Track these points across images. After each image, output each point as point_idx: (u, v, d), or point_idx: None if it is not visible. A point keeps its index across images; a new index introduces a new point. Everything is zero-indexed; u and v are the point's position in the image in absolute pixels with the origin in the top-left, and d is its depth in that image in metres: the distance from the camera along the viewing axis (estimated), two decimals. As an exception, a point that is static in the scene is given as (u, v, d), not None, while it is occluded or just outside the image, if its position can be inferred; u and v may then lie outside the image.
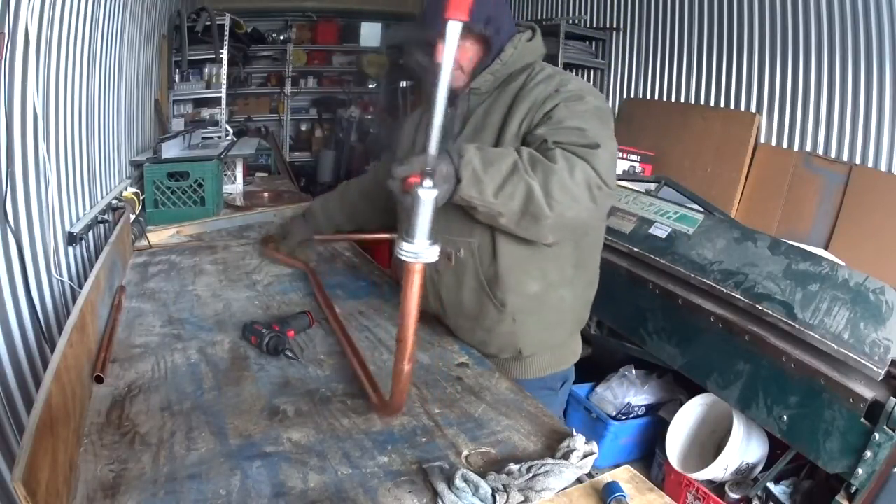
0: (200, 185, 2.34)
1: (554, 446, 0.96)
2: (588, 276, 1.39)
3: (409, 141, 1.45)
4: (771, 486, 1.89)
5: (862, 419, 1.50)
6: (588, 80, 4.17)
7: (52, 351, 1.00)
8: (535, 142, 1.15)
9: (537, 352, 1.35)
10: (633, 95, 3.88)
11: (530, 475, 0.86)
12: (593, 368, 2.35)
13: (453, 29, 0.85)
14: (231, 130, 4.11)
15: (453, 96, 1.27)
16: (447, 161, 1.05)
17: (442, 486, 0.84)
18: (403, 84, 5.77)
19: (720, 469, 1.98)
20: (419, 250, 0.89)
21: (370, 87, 6.47)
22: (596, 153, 1.10)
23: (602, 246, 1.42)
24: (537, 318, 1.31)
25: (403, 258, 0.90)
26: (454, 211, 1.18)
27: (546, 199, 1.06)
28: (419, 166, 0.94)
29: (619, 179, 1.96)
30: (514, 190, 1.06)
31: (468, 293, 1.31)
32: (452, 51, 0.86)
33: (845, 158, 2.49)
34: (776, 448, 1.96)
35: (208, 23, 4.30)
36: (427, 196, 0.89)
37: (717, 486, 2.07)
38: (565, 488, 0.87)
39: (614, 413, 2.40)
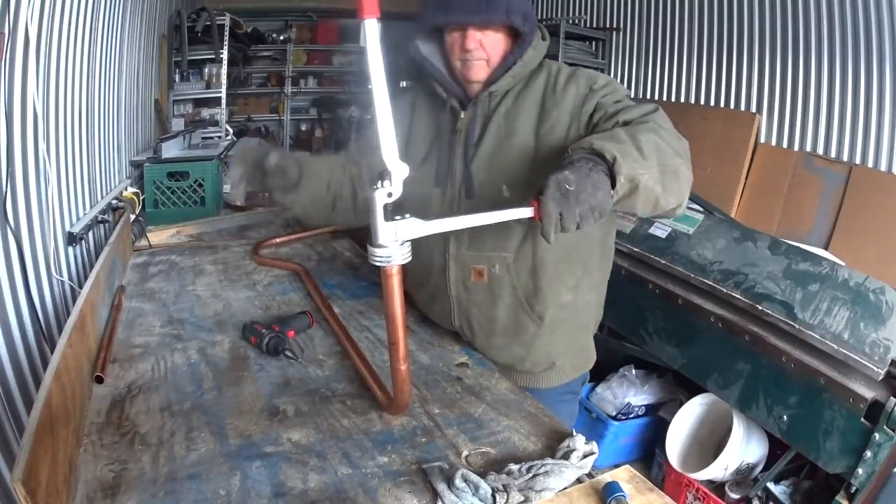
0: (200, 185, 2.34)
1: (554, 446, 0.96)
2: (606, 276, 1.37)
3: (422, 150, 1.29)
4: (771, 486, 1.89)
5: (862, 419, 1.50)
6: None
7: (52, 351, 1.00)
8: (606, 130, 1.10)
9: (567, 358, 1.34)
10: (633, 95, 3.88)
11: (530, 475, 0.86)
12: (593, 368, 2.35)
13: (371, 28, 0.82)
14: (231, 130, 4.12)
15: (465, 96, 1.23)
16: (585, 166, 0.90)
17: (442, 486, 0.84)
18: (403, 84, 5.76)
19: (720, 469, 1.98)
20: (391, 253, 0.89)
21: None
22: (660, 113, 1.10)
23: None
24: (569, 325, 1.30)
25: (377, 263, 0.90)
26: (485, 226, 1.12)
27: (668, 147, 1.00)
28: (556, 186, 0.86)
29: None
30: (649, 147, 0.96)
31: (503, 310, 1.25)
32: (377, 52, 0.83)
33: (845, 158, 2.49)
34: (776, 448, 1.96)
35: (208, 23, 4.31)
36: (379, 197, 0.87)
37: (717, 486, 2.07)
38: (565, 488, 0.87)
39: (614, 413, 2.40)
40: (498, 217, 0.94)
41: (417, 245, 1.24)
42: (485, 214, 0.95)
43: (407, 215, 0.90)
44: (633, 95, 3.87)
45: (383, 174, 0.87)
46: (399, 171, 0.87)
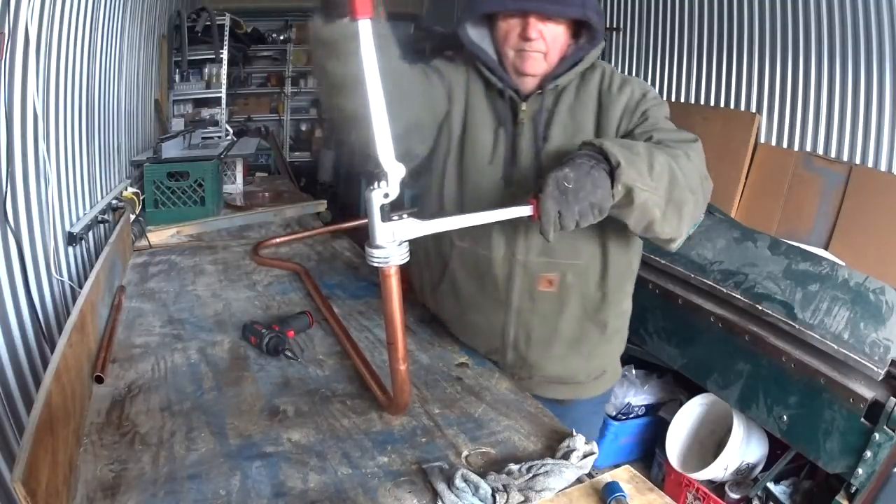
0: (200, 185, 2.34)
1: (554, 446, 0.96)
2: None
3: (488, 140, 1.20)
4: (771, 486, 1.89)
5: (862, 419, 1.50)
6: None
7: (52, 351, 1.00)
8: (640, 138, 1.08)
9: (615, 365, 1.34)
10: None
11: (530, 475, 0.86)
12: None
13: (365, 29, 0.80)
14: (231, 130, 4.11)
15: (515, 90, 1.16)
16: (587, 163, 0.89)
17: (442, 486, 0.84)
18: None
19: (720, 469, 1.98)
20: (388, 253, 0.88)
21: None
22: (697, 146, 1.07)
23: None
24: (622, 333, 1.30)
25: (376, 264, 0.89)
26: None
27: (684, 179, 0.97)
28: (555, 184, 0.86)
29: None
30: (661, 169, 0.95)
31: (568, 320, 1.20)
32: (371, 54, 0.81)
33: (845, 158, 2.49)
34: (776, 448, 1.96)
35: (208, 23, 4.30)
36: (376, 197, 0.86)
37: (717, 486, 2.07)
38: (565, 488, 0.87)
39: (614, 413, 2.40)
40: (496, 216, 0.94)
41: (470, 252, 1.19)
42: (483, 214, 0.94)
43: (404, 215, 0.89)
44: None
45: (379, 174, 0.85)
46: (396, 171, 0.86)
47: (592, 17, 1.08)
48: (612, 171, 0.90)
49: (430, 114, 1.18)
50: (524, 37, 1.08)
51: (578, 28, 1.13)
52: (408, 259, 0.91)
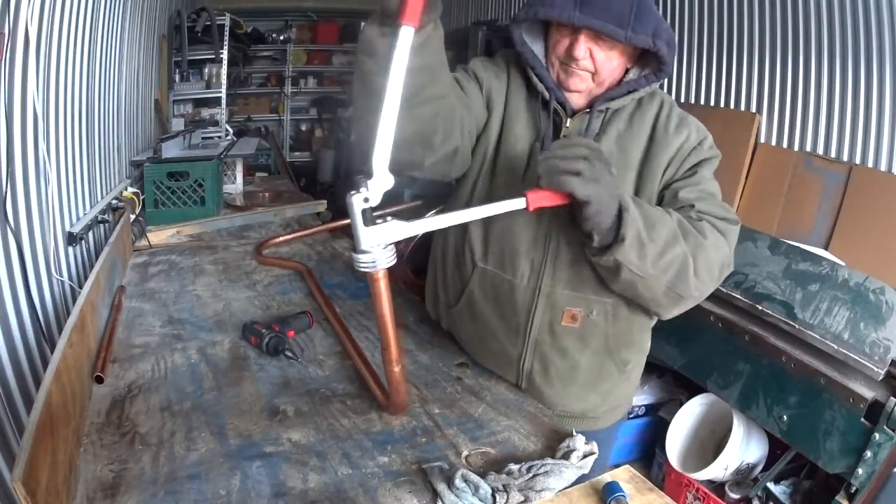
0: (200, 185, 2.34)
1: (554, 446, 0.96)
2: None
3: (523, 152, 1.12)
4: (771, 486, 1.89)
5: (862, 419, 1.50)
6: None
7: (52, 351, 1.00)
8: (678, 204, 1.01)
9: (627, 399, 1.29)
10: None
11: (530, 475, 0.86)
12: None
13: (405, 35, 0.79)
14: (231, 130, 4.11)
15: (562, 103, 1.07)
16: (606, 198, 0.88)
17: (442, 486, 0.84)
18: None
19: (720, 469, 1.98)
20: (375, 258, 0.87)
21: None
22: (735, 230, 1.01)
23: None
24: (637, 370, 1.25)
25: (363, 269, 0.87)
26: (587, 265, 1.03)
27: (695, 277, 0.94)
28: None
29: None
30: (672, 260, 0.92)
31: (590, 357, 1.13)
32: (403, 61, 0.79)
33: (845, 158, 2.48)
34: (776, 448, 1.96)
35: (208, 23, 4.30)
36: (357, 202, 0.84)
37: (717, 486, 2.07)
38: (565, 488, 0.87)
39: (614, 413, 2.40)
40: (487, 211, 0.91)
41: (492, 275, 1.12)
42: (473, 209, 0.92)
43: (389, 218, 0.87)
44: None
45: (361, 180, 0.84)
46: (383, 181, 0.84)
47: (662, 49, 0.98)
48: (616, 232, 0.90)
49: (470, 139, 1.10)
50: (570, 53, 1.01)
51: (646, 55, 1.04)
52: (394, 262, 0.89)
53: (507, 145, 1.11)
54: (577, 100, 1.07)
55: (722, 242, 0.98)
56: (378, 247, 0.86)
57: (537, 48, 1.08)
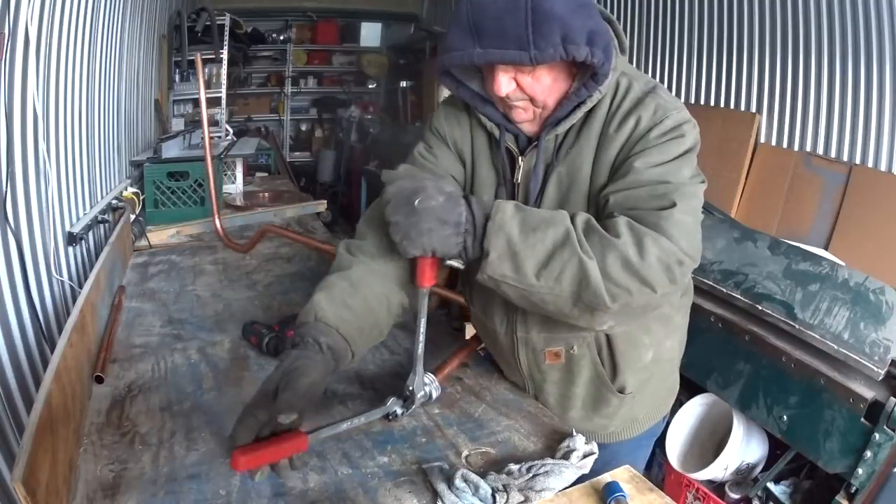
0: (200, 185, 2.34)
1: (554, 446, 0.96)
2: (687, 311, 1.21)
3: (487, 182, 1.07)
4: (771, 486, 1.89)
5: (862, 419, 1.50)
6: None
7: (52, 351, 1.00)
8: (603, 202, 0.92)
9: (651, 408, 1.20)
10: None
11: (530, 475, 0.86)
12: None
13: (424, 294, 0.91)
14: (231, 130, 4.11)
15: (523, 140, 1.01)
16: (466, 213, 0.84)
17: (442, 486, 0.84)
18: (404, 84, 5.77)
19: (720, 469, 1.98)
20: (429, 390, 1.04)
21: (370, 87, 6.47)
22: (671, 217, 0.85)
23: None
24: (653, 381, 1.14)
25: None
26: None
27: (606, 285, 0.82)
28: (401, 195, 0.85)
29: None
30: (563, 269, 0.82)
31: (582, 386, 1.10)
32: (424, 317, 0.96)
33: (845, 158, 2.49)
34: (776, 448, 1.96)
35: (208, 23, 4.31)
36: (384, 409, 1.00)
37: (717, 486, 2.07)
38: (565, 488, 0.87)
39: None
40: None
41: (482, 321, 1.17)
42: None
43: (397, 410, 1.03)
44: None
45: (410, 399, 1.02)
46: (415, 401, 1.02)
47: (577, 53, 0.85)
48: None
49: None
50: (494, 90, 0.92)
51: (580, 63, 0.90)
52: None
53: (478, 192, 1.07)
54: (529, 128, 1.00)
55: (648, 238, 0.83)
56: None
57: (475, 84, 1.00)
